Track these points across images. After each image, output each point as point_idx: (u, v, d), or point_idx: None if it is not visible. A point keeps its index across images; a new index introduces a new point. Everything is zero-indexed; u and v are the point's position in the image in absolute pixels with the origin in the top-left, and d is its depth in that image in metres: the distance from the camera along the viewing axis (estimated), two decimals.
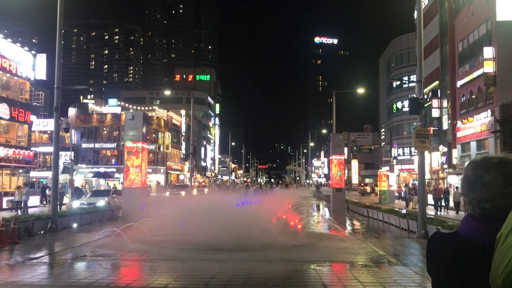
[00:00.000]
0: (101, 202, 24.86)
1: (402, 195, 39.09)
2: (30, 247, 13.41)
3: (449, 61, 40.78)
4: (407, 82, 61.41)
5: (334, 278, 9.69)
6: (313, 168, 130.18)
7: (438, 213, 28.09)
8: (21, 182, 35.16)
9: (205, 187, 65.97)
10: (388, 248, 13.85)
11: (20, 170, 38.38)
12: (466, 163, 1.70)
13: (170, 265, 10.94)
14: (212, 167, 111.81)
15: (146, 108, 74.44)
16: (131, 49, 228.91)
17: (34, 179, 46.29)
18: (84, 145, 62.73)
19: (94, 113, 64.95)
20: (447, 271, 1.54)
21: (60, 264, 11.05)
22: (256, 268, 10.40)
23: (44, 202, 30.86)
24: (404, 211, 27.33)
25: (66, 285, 8.36)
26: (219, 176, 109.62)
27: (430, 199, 30.40)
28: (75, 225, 18.83)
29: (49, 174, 36.76)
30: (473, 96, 34.44)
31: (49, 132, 53.90)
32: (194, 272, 9.98)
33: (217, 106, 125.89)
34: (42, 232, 16.54)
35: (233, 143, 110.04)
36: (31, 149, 41.70)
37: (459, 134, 36.22)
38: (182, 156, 78.98)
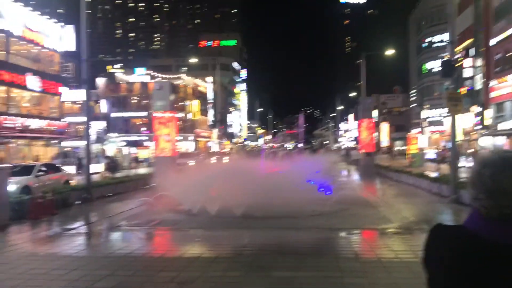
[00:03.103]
0: (12, 188, 14.80)
1: (436, 158, 38.45)
2: (67, 217, 13.86)
3: (484, 17, 39.08)
4: (438, 41, 59.44)
5: (365, 245, 9.71)
6: (341, 131, 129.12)
7: None
8: (55, 152, 36.15)
9: (226, 155, 63.13)
10: (420, 214, 13.72)
11: (54, 141, 39.41)
12: (475, 163, 1.56)
13: (202, 234, 11.16)
14: (240, 133, 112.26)
15: (173, 76, 74.64)
16: (155, 16, 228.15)
17: (68, 149, 47.48)
18: (114, 115, 63.71)
19: (122, 82, 65.60)
20: (453, 270, 1.46)
21: (96, 235, 11.40)
22: (287, 236, 10.50)
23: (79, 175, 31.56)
24: (435, 175, 27.00)
25: (103, 256, 8.64)
26: (247, 142, 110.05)
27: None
28: (109, 195, 19.34)
29: (81, 143, 37.60)
30: (509, 54, 33.12)
31: (80, 102, 54.84)
32: (226, 241, 10.15)
33: (244, 71, 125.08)
34: (78, 202, 17.04)
35: (260, 109, 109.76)
36: (63, 119, 42.62)
37: (493, 94, 35.10)
38: (209, 123, 79.47)
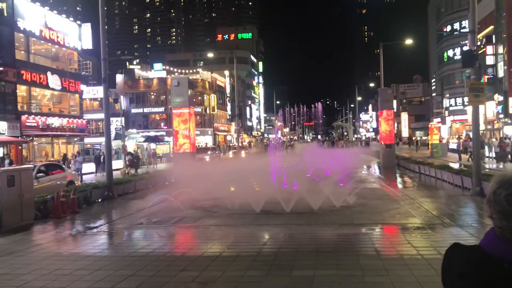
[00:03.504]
0: None
1: (457, 148, 37.88)
2: (89, 216, 14.07)
3: (506, 3, 38.14)
4: (458, 29, 58.30)
5: (386, 242, 9.62)
6: (361, 122, 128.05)
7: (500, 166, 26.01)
8: (76, 150, 36.69)
9: (245, 148, 62.53)
10: (442, 208, 13.55)
11: (75, 139, 40.00)
12: (493, 181, 1.55)
13: (222, 231, 11.20)
14: (258, 126, 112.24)
15: (190, 71, 74.94)
16: (172, 10, 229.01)
17: (88, 145, 48.16)
18: (133, 111, 64.32)
19: (140, 78, 66.10)
20: None
21: (118, 233, 11.55)
22: (307, 233, 10.47)
23: (99, 172, 31.93)
24: (457, 166, 26.61)
25: (125, 256, 8.74)
26: (266, 135, 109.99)
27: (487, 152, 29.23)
28: (130, 192, 19.57)
29: (102, 140, 38.09)
30: None
31: (99, 99, 55.46)
32: (246, 239, 10.17)
33: (260, 64, 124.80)
34: (99, 200, 17.28)
35: (277, 102, 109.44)
36: (84, 117, 43.20)
37: None
38: (228, 117, 79.61)
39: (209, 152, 44.09)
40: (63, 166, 21.84)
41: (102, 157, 32.04)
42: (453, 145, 43.06)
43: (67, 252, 9.37)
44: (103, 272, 7.62)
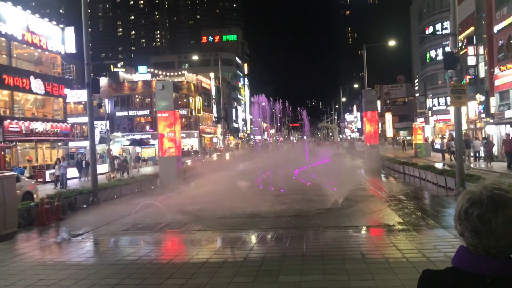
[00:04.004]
0: None
1: (440, 148, 38.34)
2: (74, 223, 13.93)
3: (485, 4, 38.70)
4: (440, 30, 59.09)
5: (371, 245, 9.69)
6: (345, 123, 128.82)
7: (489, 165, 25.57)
8: (60, 155, 36.30)
9: (230, 150, 60.61)
10: (426, 209, 13.72)
11: (59, 143, 39.57)
12: (462, 198, 1.54)
13: (209, 237, 11.18)
14: (244, 128, 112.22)
15: (176, 73, 74.70)
16: (156, 13, 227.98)
17: (73, 150, 47.66)
18: (118, 114, 63.89)
19: (125, 81, 65.73)
20: None
21: (103, 240, 11.44)
22: (294, 236, 10.50)
23: (82, 177, 31.54)
24: (441, 165, 26.92)
25: (111, 264, 8.67)
26: (252, 137, 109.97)
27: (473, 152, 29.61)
28: (115, 197, 19.42)
29: (86, 143, 37.75)
30: None
31: (83, 102, 54.93)
32: (233, 244, 10.17)
33: (246, 66, 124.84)
34: (84, 206, 17.13)
35: (263, 103, 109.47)
36: (68, 121, 42.77)
37: (497, 82, 34.81)
38: (214, 119, 79.49)
39: (192, 155, 43.97)
40: (22, 176, 20.72)
41: (84, 161, 31.77)
42: (437, 145, 43.59)
43: (52, 261, 9.26)
44: (89, 281, 7.56)
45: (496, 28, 34.86)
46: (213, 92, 79.75)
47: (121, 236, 11.87)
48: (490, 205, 1.46)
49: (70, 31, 39.50)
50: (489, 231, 1.44)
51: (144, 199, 18.08)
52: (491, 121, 36.03)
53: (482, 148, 30.27)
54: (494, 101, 36.00)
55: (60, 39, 38.75)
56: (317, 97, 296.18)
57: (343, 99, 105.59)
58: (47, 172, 31.89)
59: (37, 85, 35.57)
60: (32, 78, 35.19)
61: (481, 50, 40.45)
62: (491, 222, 1.44)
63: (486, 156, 27.15)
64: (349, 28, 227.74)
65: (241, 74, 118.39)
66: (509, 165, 23.90)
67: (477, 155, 30.59)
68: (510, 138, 26.16)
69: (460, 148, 16.83)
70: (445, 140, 37.60)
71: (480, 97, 40.28)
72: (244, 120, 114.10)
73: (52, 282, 7.57)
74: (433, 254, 8.33)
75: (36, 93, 36.09)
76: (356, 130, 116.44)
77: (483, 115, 39.44)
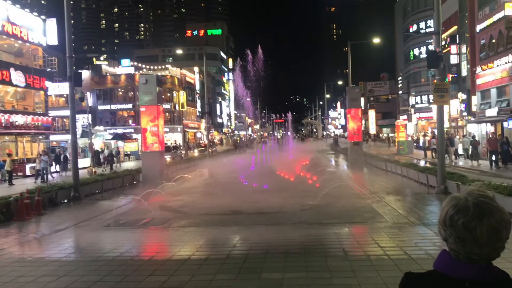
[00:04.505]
0: None
1: (422, 145, 38.77)
2: (55, 218, 13.75)
3: (468, 4, 39.17)
4: (424, 28, 59.67)
5: (354, 242, 9.75)
6: (329, 119, 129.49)
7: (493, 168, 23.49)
8: (41, 148, 35.77)
9: (212, 146, 54.30)
10: (408, 206, 13.85)
11: (40, 137, 38.95)
12: (447, 205, 1.54)
13: (191, 233, 11.12)
14: (229, 123, 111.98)
15: (159, 67, 74.08)
16: (140, 5, 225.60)
17: (54, 143, 46.98)
18: (100, 107, 63.11)
19: (108, 74, 64.88)
20: None
21: (84, 236, 11.28)
22: (276, 234, 10.50)
23: (63, 172, 31.03)
24: (423, 163, 27.23)
25: (92, 260, 8.56)
26: (236, 132, 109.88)
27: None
28: (97, 192, 19.21)
29: (68, 137, 37.21)
30: (493, 41, 33.27)
31: (65, 95, 54.13)
32: (215, 241, 10.14)
33: (230, 60, 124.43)
34: (65, 201, 16.90)
35: (248, 99, 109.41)
36: (49, 114, 42.11)
37: (478, 81, 35.31)
38: (198, 114, 79.13)
39: (171, 151, 43.20)
40: None
41: (62, 156, 31.27)
42: (418, 142, 44.11)
43: (31, 257, 9.11)
44: (69, 278, 7.45)
45: (479, 27, 35.32)
46: (197, 86, 79.33)
47: (102, 232, 11.74)
48: (475, 212, 1.47)
49: (52, 22, 38.79)
50: (473, 239, 1.46)
51: (126, 194, 17.96)
52: (473, 119, 36.56)
53: (460, 146, 30.68)
54: (475, 99, 36.52)
55: (41, 30, 38.05)
56: (302, 93, 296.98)
57: (327, 96, 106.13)
58: (28, 166, 31.40)
59: (17, 77, 34.91)
60: (12, 70, 34.52)
61: (464, 49, 40.97)
62: (475, 230, 1.45)
63: (473, 154, 27.23)
64: (334, 25, 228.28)
65: (226, 69, 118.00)
66: (491, 163, 24.12)
67: (458, 152, 30.99)
68: (494, 136, 26.03)
69: (442, 146, 17.01)
70: (427, 138, 38.03)
71: (462, 96, 40.82)
72: (229, 115, 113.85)
73: (31, 279, 7.44)
74: (414, 252, 8.41)
75: (17, 86, 35.42)
76: (339, 126, 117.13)
77: (464, 113, 40.00)
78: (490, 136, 27.46)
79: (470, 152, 27.89)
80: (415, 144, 43.61)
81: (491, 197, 1.51)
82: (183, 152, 49.96)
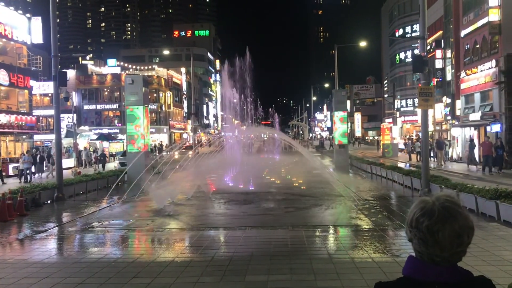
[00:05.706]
0: None
1: (407, 148, 39.12)
2: (38, 219, 13.57)
3: (453, 9, 39.65)
4: (410, 33, 60.27)
5: (338, 245, 9.79)
6: (316, 122, 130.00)
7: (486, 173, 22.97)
8: (25, 148, 35.32)
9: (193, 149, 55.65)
10: (393, 209, 13.96)
11: (24, 136, 38.44)
12: (415, 206, 1.59)
13: (175, 235, 11.07)
14: (215, 124, 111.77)
15: (146, 67, 73.71)
16: (127, 5, 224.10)
17: (38, 143, 46.39)
18: (85, 107, 62.58)
19: (93, 74, 64.36)
20: None
21: (67, 238, 11.17)
22: (261, 236, 10.50)
23: (37, 174, 29.98)
24: (407, 166, 27.46)
25: (75, 262, 8.47)
26: (223, 133, 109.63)
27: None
28: (81, 193, 19.02)
29: (52, 137, 36.76)
30: (478, 46, 33.70)
31: (50, 95, 53.52)
32: (199, 243, 10.07)
33: (218, 62, 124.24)
34: (49, 201, 16.71)
35: (235, 100, 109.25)
36: (33, 114, 41.60)
37: (463, 86, 35.73)
38: (184, 115, 78.87)
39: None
40: None
41: (38, 156, 30.51)
42: (402, 146, 44.47)
43: (13, 258, 8.97)
44: (51, 280, 7.36)
45: (463, 32, 35.75)
46: (184, 87, 79.11)
47: (85, 233, 11.62)
48: (440, 217, 1.51)
49: (37, 21, 38.33)
50: (435, 242, 1.50)
51: (110, 195, 17.80)
52: (457, 123, 36.98)
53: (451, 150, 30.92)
54: (459, 104, 36.94)
55: (26, 29, 37.57)
56: (288, 95, 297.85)
57: (314, 98, 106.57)
58: (11, 166, 30.95)
59: (1, 75, 34.43)
60: None
61: (449, 53, 41.44)
62: (438, 233, 1.50)
63: (471, 158, 27.00)
64: (321, 28, 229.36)
65: (213, 70, 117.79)
66: (484, 168, 23.82)
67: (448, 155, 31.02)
68: (488, 141, 25.17)
69: (426, 149, 17.19)
70: (415, 141, 38.37)
71: (446, 100, 41.26)
72: (215, 116, 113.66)
73: (13, 281, 7.33)
74: (398, 255, 8.47)
75: (0, 84, 34.95)
76: (326, 129, 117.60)
77: (449, 117, 40.43)
78: (484, 141, 27.06)
79: (468, 156, 27.81)
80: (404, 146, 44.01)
81: (457, 203, 1.56)
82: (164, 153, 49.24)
